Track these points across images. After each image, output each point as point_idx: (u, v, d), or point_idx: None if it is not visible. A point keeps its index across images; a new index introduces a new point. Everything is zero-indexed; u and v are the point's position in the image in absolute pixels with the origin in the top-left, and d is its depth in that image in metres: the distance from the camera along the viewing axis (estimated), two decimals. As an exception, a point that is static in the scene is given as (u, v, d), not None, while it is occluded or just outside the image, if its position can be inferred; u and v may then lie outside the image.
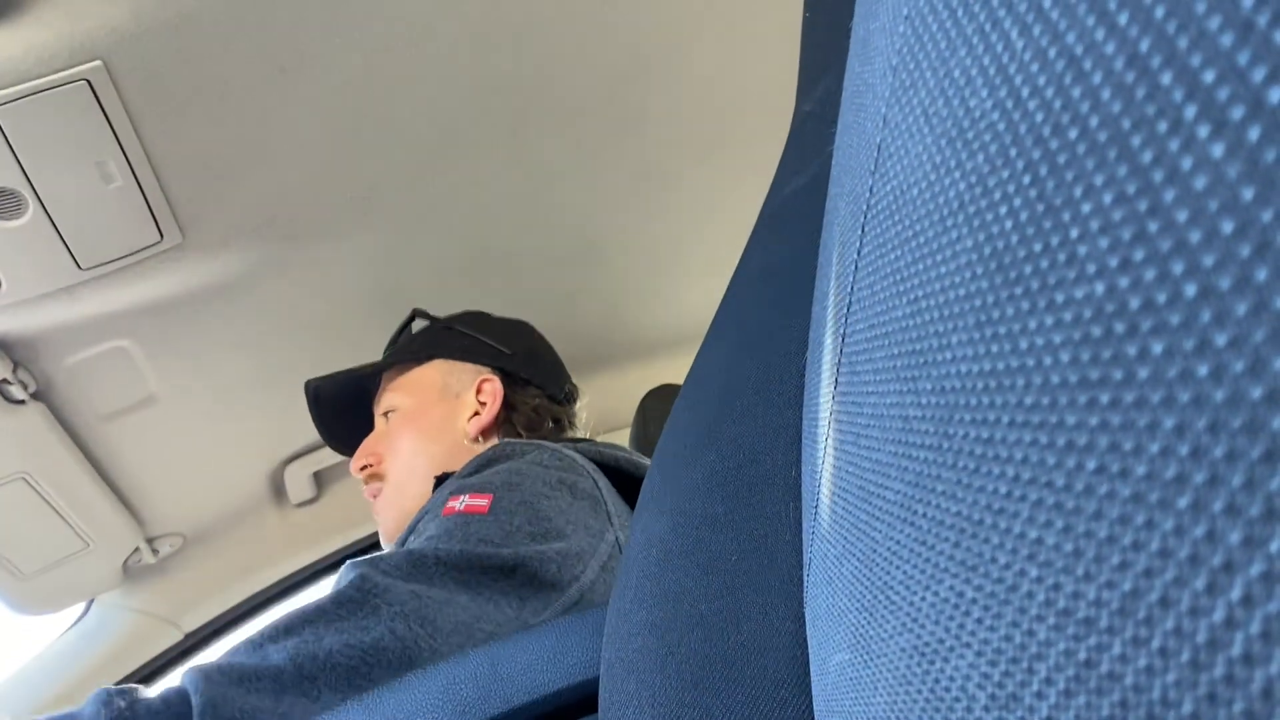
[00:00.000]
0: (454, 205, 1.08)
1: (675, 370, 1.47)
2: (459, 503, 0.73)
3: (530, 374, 1.02)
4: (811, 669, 0.27)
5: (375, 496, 0.95)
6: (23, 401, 0.97)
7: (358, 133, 0.93)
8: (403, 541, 0.77)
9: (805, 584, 0.29)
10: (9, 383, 0.95)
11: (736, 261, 0.46)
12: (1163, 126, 0.10)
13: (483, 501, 0.72)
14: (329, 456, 1.31)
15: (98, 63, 0.74)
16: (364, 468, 0.95)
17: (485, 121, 0.99)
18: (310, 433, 1.22)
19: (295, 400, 1.09)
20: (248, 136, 0.87)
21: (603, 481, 0.82)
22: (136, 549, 1.19)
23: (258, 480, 1.30)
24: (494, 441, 0.94)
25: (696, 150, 1.14)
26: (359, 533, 1.42)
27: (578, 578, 0.69)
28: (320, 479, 1.37)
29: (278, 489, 1.33)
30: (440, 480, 0.86)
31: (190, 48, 0.77)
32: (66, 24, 0.71)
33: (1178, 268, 0.09)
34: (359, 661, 0.58)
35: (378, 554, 0.68)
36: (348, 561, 0.67)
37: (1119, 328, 0.10)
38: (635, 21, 0.95)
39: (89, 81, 0.74)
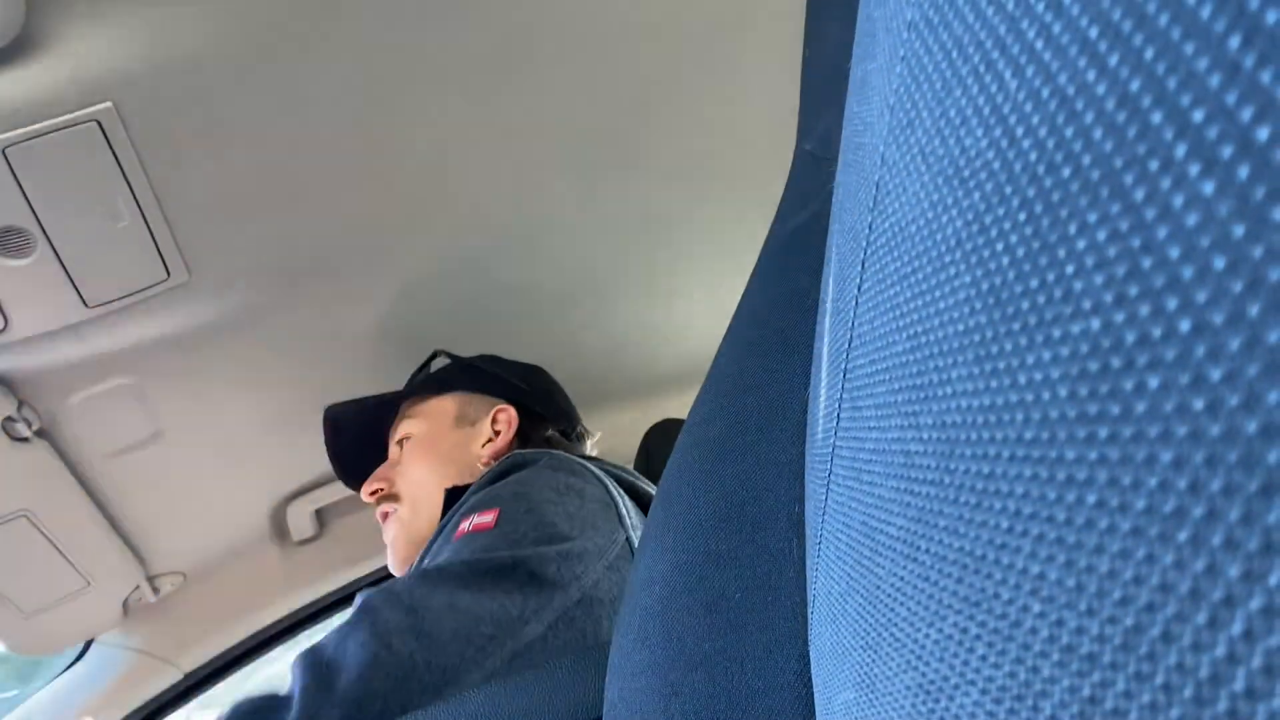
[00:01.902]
0: (458, 244, 1.09)
1: (678, 405, 1.48)
2: (468, 524, 0.74)
3: (545, 410, 1.03)
4: (817, 708, 0.27)
5: (386, 517, 0.95)
6: (27, 439, 0.97)
7: (364, 173, 0.94)
8: (422, 558, 0.79)
9: (809, 622, 0.29)
10: (13, 420, 0.95)
11: (739, 297, 0.46)
12: (1154, 165, 0.10)
13: (489, 517, 0.73)
14: (331, 494, 1.31)
15: (108, 104, 0.75)
16: (375, 492, 0.95)
17: (489, 161, 1.00)
18: (312, 470, 1.22)
19: (298, 437, 1.09)
20: (255, 175, 0.88)
21: (614, 486, 0.83)
22: (137, 587, 1.18)
23: (259, 518, 1.29)
24: None
25: (698, 187, 1.15)
26: (361, 570, 1.42)
27: (578, 577, 0.70)
28: (322, 517, 1.36)
29: (279, 526, 1.32)
30: (451, 493, 0.86)
31: (200, 88, 0.78)
32: (78, 65, 0.72)
33: (1172, 303, 0.09)
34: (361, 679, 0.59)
35: (389, 581, 0.70)
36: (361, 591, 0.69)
37: (1115, 362, 0.10)
38: (637, 61, 0.96)
39: (99, 122, 0.75)
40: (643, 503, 0.89)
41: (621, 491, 0.84)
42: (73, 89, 0.73)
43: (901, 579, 0.18)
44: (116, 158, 0.78)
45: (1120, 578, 0.10)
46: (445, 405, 1.01)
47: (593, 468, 0.85)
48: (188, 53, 0.76)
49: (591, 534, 0.74)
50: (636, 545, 0.77)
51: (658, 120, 1.04)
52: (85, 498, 1.06)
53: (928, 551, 0.17)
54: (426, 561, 0.77)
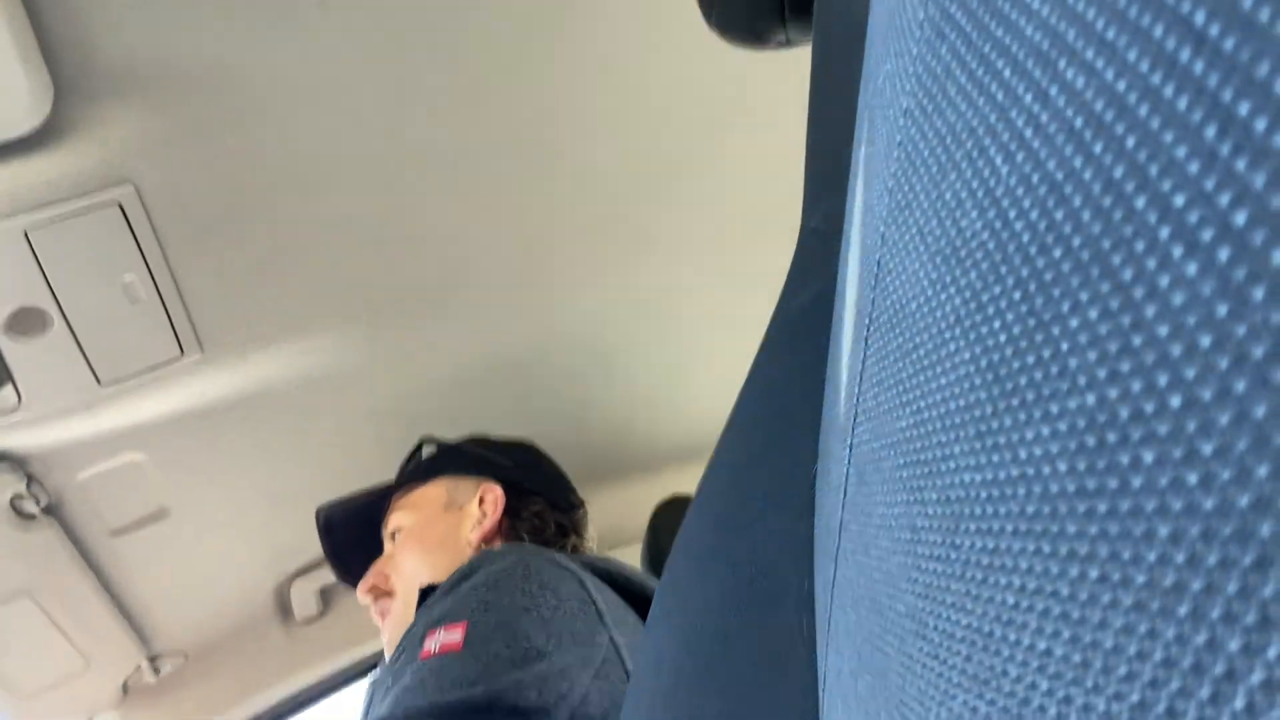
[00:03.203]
0: (467, 320, 1.10)
1: (686, 482, 1.46)
2: (434, 641, 0.70)
3: (533, 483, 1.03)
4: (829, 793, 0.26)
5: (384, 615, 0.94)
6: (34, 516, 0.97)
7: (376, 248, 0.96)
8: (393, 661, 0.75)
9: (821, 702, 0.28)
10: (22, 497, 0.95)
11: (745, 372, 0.46)
12: (1140, 246, 0.10)
13: (457, 635, 0.69)
14: (336, 571, 1.29)
15: (129, 186, 0.77)
16: (371, 589, 0.94)
17: (498, 238, 1.02)
18: (317, 547, 1.21)
19: (303, 515, 1.09)
20: (270, 253, 0.90)
21: (590, 579, 0.80)
22: (138, 667, 1.16)
23: (263, 596, 1.28)
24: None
25: (706, 263, 1.17)
26: (364, 651, 1.39)
27: (564, 696, 0.66)
28: (326, 595, 1.35)
29: (283, 605, 1.31)
30: (425, 594, 0.84)
31: (218, 169, 0.81)
32: (102, 148, 0.75)
33: (1162, 379, 0.10)
34: None
35: None
36: None
37: (1111, 437, 0.10)
38: (646, 144, 0.98)
39: (120, 204, 0.77)
40: (624, 589, 0.86)
41: (599, 584, 0.81)
42: (96, 171, 0.75)
43: (910, 657, 0.18)
44: (136, 238, 0.80)
45: (1125, 653, 0.10)
46: (433, 492, 1.01)
47: (567, 562, 0.81)
48: (209, 135, 0.78)
49: (570, 643, 0.70)
50: (626, 641, 0.74)
51: (667, 199, 1.06)
52: (89, 576, 1.06)
53: (936, 629, 0.17)
54: (394, 671, 0.73)
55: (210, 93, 0.77)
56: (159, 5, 0.71)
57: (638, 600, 0.85)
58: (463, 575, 0.79)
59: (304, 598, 1.30)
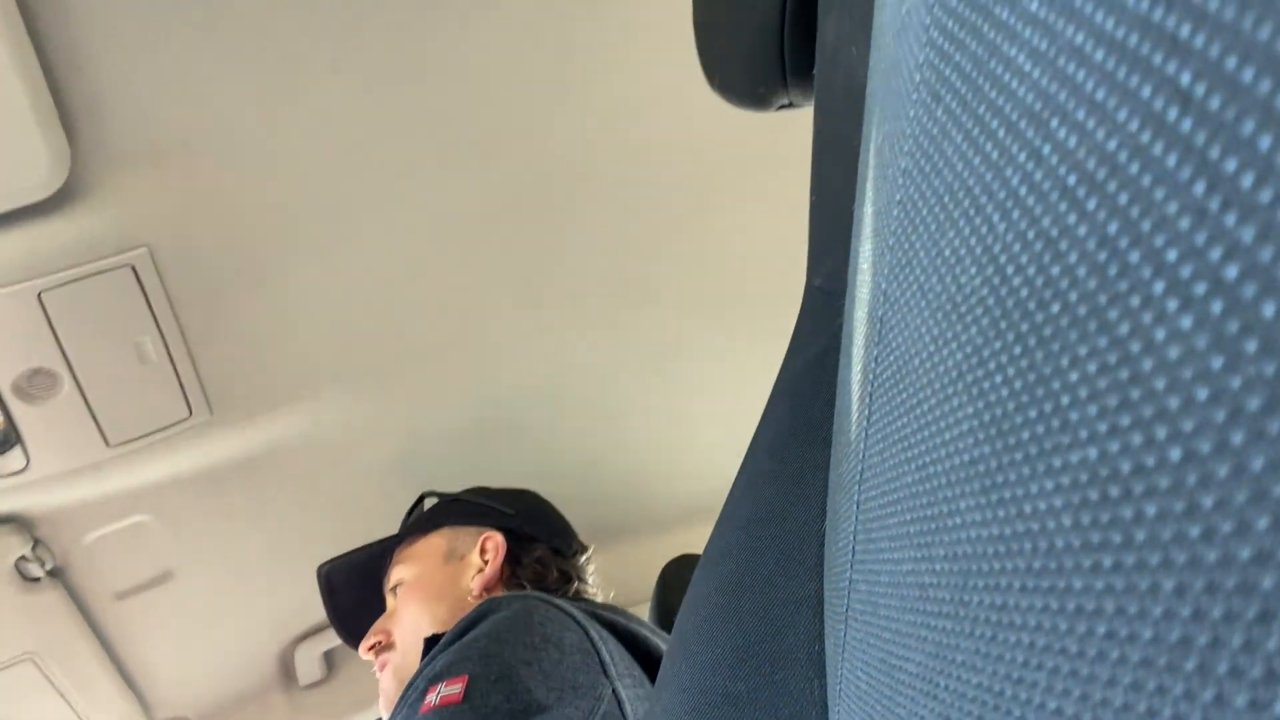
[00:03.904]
0: (472, 379, 1.10)
1: (695, 540, 1.45)
2: (435, 694, 0.70)
3: (534, 530, 1.02)
4: None
5: (385, 666, 0.93)
6: (38, 580, 0.97)
7: (384, 309, 0.97)
8: (394, 715, 0.74)
9: (832, 767, 0.28)
10: (27, 560, 0.95)
11: (752, 429, 0.46)
12: (1135, 301, 0.10)
13: (457, 688, 0.69)
14: (341, 635, 1.28)
15: (143, 249, 0.78)
16: (373, 647, 0.93)
17: (504, 298, 1.02)
18: (322, 610, 1.19)
19: (308, 577, 1.08)
20: (280, 314, 0.91)
21: (596, 630, 0.79)
22: (138, 735, 1.14)
23: (267, 660, 1.26)
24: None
25: (713, 321, 1.18)
26: (369, 716, 1.37)
27: None
28: (331, 659, 1.33)
29: (287, 669, 1.29)
30: (430, 643, 0.83)
31: (231, 233, 0.82)
32: (118, 213, 0.76)
33: (1161, 433, 0.10)
34: None
35: None
36: None
37: (1114, 491, 0.10)
38: (654, 202, 1.00)
39: (134, 267, 0.78)
40: (630, 642, 0.86)
41: (605, 634, 0.80)
42: (111, 235, 0.77)
43: (922, 717, 0.18)
44: (148, 301, 0.81)
45: (1135, 710, 0.10)
46: (434, 543, 1.00)
47: (572, 609, 0.81)
48: (223, 200, 0.80)
49: (571, 696, 0.69)
50: (629, 692, 0.73)
51: (675, 257, 1.07)
52: (93, 640, 1.05)
53: (946, 689, 0.17)
54: None
55: (224, 157, 0.78)
56: (175, 72, 0.73)
57: (644, 652, 0.84)
58: (467, 625, 0.79)
59: (308, 662, 1.29)
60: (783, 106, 0.50)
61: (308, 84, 0.78)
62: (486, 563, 0.96)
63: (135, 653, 1.11)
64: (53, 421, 0.85)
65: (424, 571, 0.97)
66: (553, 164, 0.92)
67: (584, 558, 1.06)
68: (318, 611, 1.23)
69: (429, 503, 1.09)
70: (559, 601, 0.82)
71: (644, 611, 1.35)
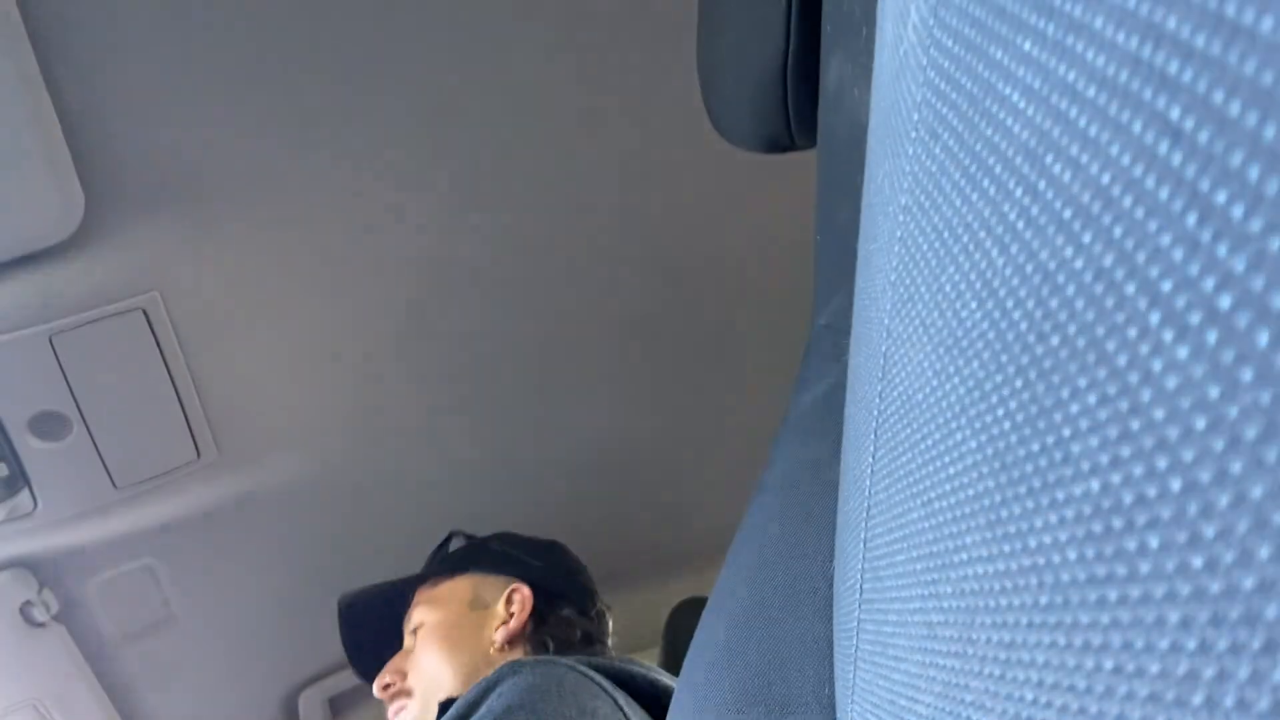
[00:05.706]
0: (475, 423, 1.10)
1: (703, 583, 1.44)
2: None
3: (561, 588, 1.00)
4: None
5: (398, 714, 0.91)
6: (43, 624, 0.96)
7: (397, 352, 0.97)
8: None
9: (843, 813, 0.27)
10: (32, 604, 0.94)
11: (760, 470, 0.46)
12: (1132, 332, 0.10)
13: None
14: (345, 681, 1.26)
15: (154, 294, 0.79)
16: (387, 686, 0.92)
17: (507, 344, 1.03)
18: (327, 656, 1.18)
19: (313, 621, 1.07)
20: (287, 356, 0.91)
21: (622, 697, 0.78)
22: (140, 784, 1.13)
23: (270, 706, 1.25)
24: (519, 653, 0.91)
25: (720, 361, 1.18)
26: (374, 765, 1.35)
27: None
28: (335, 706, 1.31)
29: (291, 715, 1.27)
30: (444, 707, 0.82)
31: (242, 275, 0.83)
32: (130, 257, 0.77)
33: (1162, 463, 0.10)
34: None
35: None
36: None
37: (1117, 523, 0.10)
38: (660, 243, 1.00)
39: (144, 310, 0.79)
40: (649, 690, 0.84)
41: (628, 699, 0.79)
42: (123, 279, 0.77)
43: (931, 759, 0.17)
44: (159, 344, 0.82)
45: (1144, 747, 0.10)
46: (459, 588, 0.99)
47: (600, 680, 0.79)
48: (233, 244, 0.80)
49: None
50: None
51: (682, 298, 1.07)
52: (96, 686, 1.04)
53: (956, 728, 0.16)
54: None
55: (237, 201, 0.79)
56: (188, 118, 0.74)
57: (657, 705, 0.83)
58: (483, 691, 0.77)
59: (312, 708, 1.27)
60: (785, 149, 0.50)
61: (319, 126, 0.79)
62: (512, 615, 0.94)
63: (136, 699, 1.10)
64: (61, 464, 0.85)
65: (447, 617, 0.95)
66: (563, 214, 0.93)
67: (606, 618, 1.05)
68: (323, 657, 1.22)
69: (456, 543, 1.08)
70: (583, 669, 0.81)
71: (653, 656, 1.33)
